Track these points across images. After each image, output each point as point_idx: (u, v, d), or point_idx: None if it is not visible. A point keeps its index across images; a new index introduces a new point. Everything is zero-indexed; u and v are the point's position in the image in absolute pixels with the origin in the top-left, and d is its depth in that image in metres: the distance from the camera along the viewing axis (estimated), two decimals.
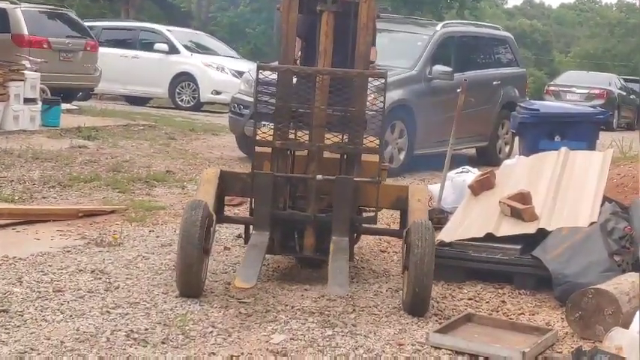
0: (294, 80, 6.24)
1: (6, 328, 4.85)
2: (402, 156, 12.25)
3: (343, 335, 5.15)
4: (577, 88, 28.13)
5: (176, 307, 5.45)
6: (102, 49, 19.24)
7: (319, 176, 5.99)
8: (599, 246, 6.35)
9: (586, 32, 72.37)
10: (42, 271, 6.05)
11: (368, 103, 6.19)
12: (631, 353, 4.67)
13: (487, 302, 6.15)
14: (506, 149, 14.47)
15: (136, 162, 11.20)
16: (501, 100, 14.29)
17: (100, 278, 5.98)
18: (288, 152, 6.17)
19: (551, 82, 31.36)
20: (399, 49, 13.28)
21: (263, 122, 6.22)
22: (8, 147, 11.45)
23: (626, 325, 5.06)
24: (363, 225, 6.40)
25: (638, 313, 4.94)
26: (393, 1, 43.46)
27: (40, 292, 5.55)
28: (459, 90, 9.91)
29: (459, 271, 6.58)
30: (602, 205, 6.96)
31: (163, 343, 4.82)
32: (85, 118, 15.33)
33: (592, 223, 6.63)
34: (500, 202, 7.01)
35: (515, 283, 6.47)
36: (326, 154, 6.15)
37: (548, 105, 13.70)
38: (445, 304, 5.99)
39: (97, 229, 7.53)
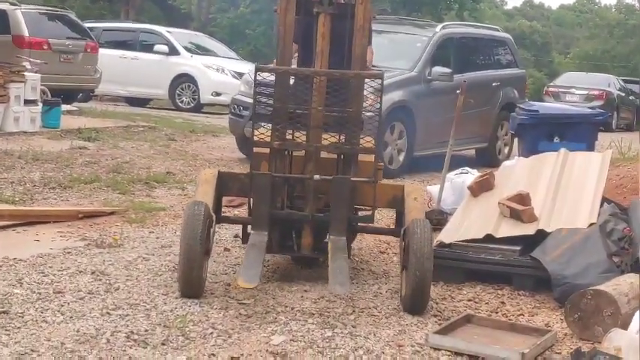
0: (292, 81, 6.27)
1: (6, 330, 4.86)
2: (401, 157, 12.27)
3: (343, 336, 5.16)
4: (576, 89, 28.16)
5: (176, 308, 5.46)
6: (102, 51, 19.26)
7: (317, 176, 6.04)
8: (598, 247, 6.37)
9: (585, 33, 72.37)
10: (42, 273, 6.06)
11: (365, 103, 6.21)
12: (630, 354, 4.68)
13: (486, 303, 6.17)
14: (506, 150, 14.49)
15: (136, 163, 11.21)
16: (501, 101, 14.31)
17: (101, 279, 6.00)
18: (286, 153, 6.21)
19: (551, 83, 31.39)
20: (399, 51, 13.31)
21: (262, 123, 6.25)
22: (9, 148, 11.47)
23: (625, 326, 5.07)
24: (360, 224, 6.43)
25: (637, 314, 4.95)
26: (393, 2, 43.51)
27: (40, 294, 5.56)
28: (458, 91, 9.92)
29: (459, 272, 6.59)
30: (601, 206, 6.97)
31: (163, 344, 4.83)
32: (85, 120, 15.35)
33: (591, 224, 6.64)
34: (499, 203, 7.02)
35: (514, 284, 6.48)
36: (323, 155, 6.20)
37: (548, 106, 13.71)
38: (445, 305, 6.00)
39: (97, 230, 7.54)
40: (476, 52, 14.71)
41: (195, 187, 6.87)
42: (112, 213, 8.21)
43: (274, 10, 6.31)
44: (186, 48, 22.17)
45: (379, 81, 6.08)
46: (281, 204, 6.15)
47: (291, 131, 6.21)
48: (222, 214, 6.60)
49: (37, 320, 5.05)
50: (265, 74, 6.10)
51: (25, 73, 13.69)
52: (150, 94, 22.44)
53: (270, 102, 6.18)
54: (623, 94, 29.10)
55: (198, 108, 21.48)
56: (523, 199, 6.95)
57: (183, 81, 21.59)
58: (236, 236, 7.42)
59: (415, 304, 5.69)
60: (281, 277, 6.43)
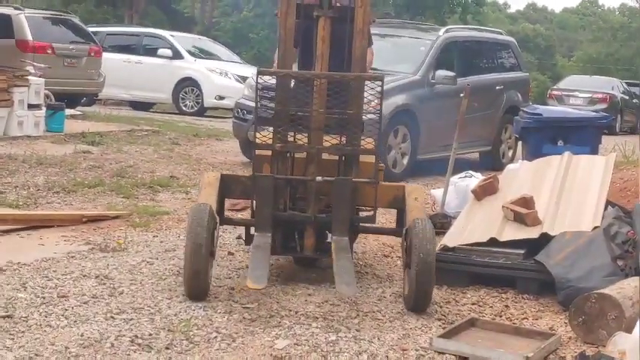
0: (293, 84, 6.30)
1: (10, 334, 4.87)
2: (405, 161, 12.26)
3: (347, 340, 5.16)
4: (580, 92, 28.14)
5: (180, 312, 5.46)
6: (106, 55, 19.29)
7: (319, 178, 6.10)
8: (602, 250, 6.36)
9: (589, 36, 72.36)
10: (46, 277, 6.07)
11: (367, 106, 6.25)
12: (634, 358, 4.67)
13: (490, 307, 6.16)
14: (510, 154, 14.49)
15: (140, 167, 11.22)
16: (504, 104, 14.31)
17: (105, 284, 6.00)
18: (288, 155, 6.26)
19: (554, 87, 31.37)
20: (402, 54, 13.32)
21: (265, 127, 6.28)
22: (12, 152, 11.48)
23: (629, 329, 5.07)
24: (362, 224, 6.47)
25: None
26: (396, 5, 43.59)
27: (44, 298, 5.57)
28: (462, 95, 9.93)
29: (463, 275, 6.59)
30: (605, 209, 6.97)
31: (167, 348, 4.83)
32: (89, 124, 15.36)
33: (595, 228, 6.64)
34: (503, 206, 7.02)
35: (518, 288, 6.48)
36: (324, 156, 6.25)
37: (551, 110, 13.71)
38: (449, 309, 6.00)
39: (101, 234, 7.55)
40: (479, 55, 14.71)
41: (198, 190, 6.88)
42: (116, 217, 8.21)
43: (275, 13, 6.36)
44: (189, 52, 22.19)
45: (379, 83, 6.10)
46: (283, 206, 6.20)
47: (292, 133, 6.25)
48: (225, 217, 6.62)
49: (41, 324, 5.06)
50: (267, 78, 6.13)
51: (29, 78, 13.71)
52: (153, 98, 22.46)
53: (272, 105, 6.21)
54: (627, 97, 29.08)
55: (201, 112, 21.49)
56: (527, 202, 6.95)
57: (187, 85, 21.60)
58: (238, 237, 7.43)
59: (418, 302, 5.74)
60: (285, 280, 6.43)
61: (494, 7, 66.34)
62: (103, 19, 34.65)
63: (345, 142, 6.20)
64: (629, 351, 4.72)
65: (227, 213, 6.89)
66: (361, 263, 7.10)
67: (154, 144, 13.69)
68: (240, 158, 12.78)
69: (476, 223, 7.15)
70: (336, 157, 6.27)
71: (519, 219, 6.86)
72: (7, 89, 13.01)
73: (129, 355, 4.71)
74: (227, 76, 21.30)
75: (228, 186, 6.34)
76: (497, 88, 14.29)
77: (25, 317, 5.16)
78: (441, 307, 6.01)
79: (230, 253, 7.11)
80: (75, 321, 5.16)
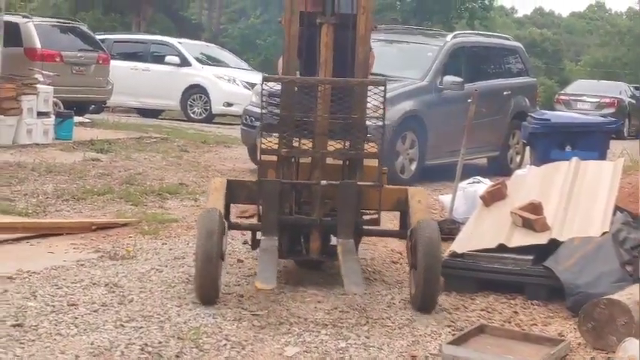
0: (298, 90, 6.36)
1: (21, 343, 4.88)
2: (413, 167, 12.26)
3: (356, 347, 5.17)
4: (587, 96, 28.12)
5: (190, 320, 5.47)
6: (114, 62, 19.35)
7: (323, 182, 6.19)
8: (611, 256, 6.36)
9: (596, 41, 72.31)
10: (56, 285, 6.08)
11: (370, 111, 6.33)
12: None
13: (500, 313, 6.16)
14: (518, 159, 14.48)
15: (148, 174, 11.24)
16: (512, 109, 14.30)
17: (114, 291, 6.01)
18: (293, 160, 6.35)
19: (562, 91, 31.33)
20: (410, 60, 13.33)
21: (272, 133, 6.34)
22: (22, 160, 11.52)
23: (638, 335, 5.06)
24: (366, 227, 6.55)
25: None
26: (403, 11, 43.63)
27: (54, 306, 5.58)
28: (469, 100, 9.94)
29: (471, 282, 6.60)
30: (613, 214, 6.97)
31: (177, 356, 4.84)
32: (97, 131, 15.40)
33: (604, 233, 6.64)
34: (511, 212, 7.03)
35: (527, 294, 6.48)
36: (329, 161, 6.35)
37: (559, 115, 13.69)
38: (458, 315, 6.00)
39: (110, 242, 7.56)
40: (487, 60, 14.70)
41: (206, 196, 6.91)
42: (125, 225, 8.23)
43: (279, 21, 6.46)
44: (197, 59, 22.23)
45: (382, 88, 6.19)
46: (289, 210, 6.30)
47: (297, 139, 6.32)
48: (233, 222, 6.68)
49: (51, 333, 5.07)
50: (272, 84, 6.22)
51: (38, 86, 13.76)
52: (162, 105, 22.51)
53: (279, 111, 6.28)
54: (634, 102, 29.02)
55: (209, 119, 21.53)
56: (535, 208, 6.95)
57: (195, 92, 21.64)
58: (245, 243, 7.46)
59: (425, 302, 5.84)
60: (293, 286, 6.44)
61: (501, 12, 66.29)
62: (110, 27, 34.71)
63: (349, 146, 6.27)
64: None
65: (235, 219, 6.94)
66: (370, 270, 7.10)
67: (162, 151, 13.72)
68: (249, 165, 12.79)
69: (484, 229, 7.15)
70: (341, 162, 6.37)
71: (528, 225, 6.86)
72: (16, 97, 13.06)
73: None
74: (235, 83, 21.33)
75: (234, 191, 6.43)
76: (504, 93, 14.28)
77: (35, 326, 5.17)
78: (450, 313, 6.01)
79: (239, 261, 7.12)
80: (85, 329, 5.17)
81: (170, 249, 7.43)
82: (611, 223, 6.79)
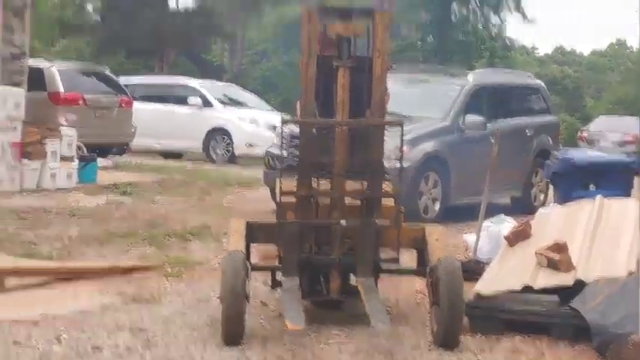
0: (316, 132, 6.41)
1: None
2: (436, 207, 12.25)
3: None
4: (610, 133, 28.06)
5: None
6: (136, 105, 19.46)
7: (343, 222, 6.24)
8: (637, 296, 6.30)
9: (617, 78, 72.15)
10: (80, 329, 6.09)
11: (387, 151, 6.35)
12: None
13: (526, 354, 6.11)
14: (541, 197, 14.43)
15: (171, 217, 11.27)
16: (535, 148, 14.28)
17: (138, 335, 6.01)
18: (312, 200, 6.38)
19: (584, 128, 31.29)
20: (431, 100, 13.35)
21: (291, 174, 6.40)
22: (46, 205, 11.58)
23: None
24: (384, 265, 6.57)
25: None
26: (424, 50, 43.75)
27: (79, 351, 5.58)
28: (492, 139, 9.93)
29: (497, 323, 6.54)
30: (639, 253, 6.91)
31: None
32: (120, 174, 15.47)
33: (630, 273, 6.59)
34: (536, 252, 6.98)
35: (553, 335, 6.42)
36: (347, 200, 6.40)
37: (582, 154, 13.64)
38: (483, 357, 5.96)
39: (134, 285, 7.57)
40: (508, 99, 14.69)
41: (227, 237, 6.94)
42: (149, 268, 8.24)
43: (298, 65, 6.51)
44: (219, 100, 22.31)
45: (399, 128, 6.27)
46: (309, 250, 6.35)
47: (316, 179, 6.40)
48: (253, 263, 6.69)
49: None
50: (292, 126, 6.36)
51: (61, 130, 13.84)
52: (184, 146, 22.55)
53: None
54: None
55: (232, 160, 21.55)
56: (560, 248, 6.90)
57: (217, 133, 21.69)
58: (265, 283, 7.46)
59: (448, 338, 5.86)
60: (316, 328, 6.41)
61: (522, 50, 66.29)
62: (133, 70, 34.95)
63: (366, 186, 6.31)
64: None
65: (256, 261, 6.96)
66: (394, 312, 7.07)
67: (185, 193, 13.75)
68: (272, 206, 12.77)
69: (509, 269, 7.11)
70: (359, 201, 6.41)
71: (553, 265, 6.82)
72: (40, 141, 13.14)
73: None
74: (257, 124, 21.38)
75: (254, 232, 6.51)
76: (527, 132, 14.26)
77: None
78: (475, 354, 5.97)
79: (263, 303, 7.10)
80: None
81: (194, 291, 7.43)
82: (637, 262, 6.73)
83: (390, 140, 6.38)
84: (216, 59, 48.06)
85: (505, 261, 7.33)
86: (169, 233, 10.08)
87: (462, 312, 5.88)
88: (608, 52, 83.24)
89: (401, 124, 6.27)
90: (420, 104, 13.08)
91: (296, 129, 6.40)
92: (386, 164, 6.43)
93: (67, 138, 13.79)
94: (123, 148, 20.12)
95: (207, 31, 40.49)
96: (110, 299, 7.06)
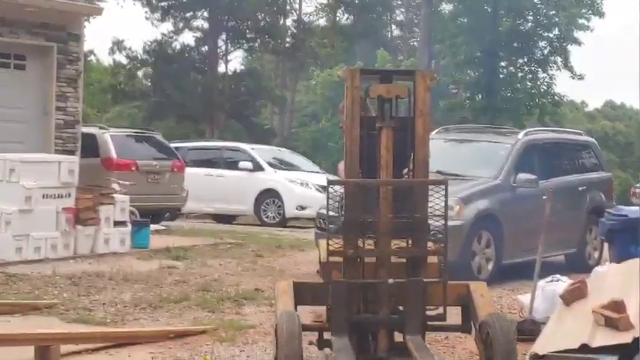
0: (361, 192, 6.44)
1: None
2: (490, 266, 12.16)
3: None
4: None
5: None
6: (188, 169, 19.62)
7: (391, 280, 6.25)
8: None
9: None
10: None
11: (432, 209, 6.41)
12: None
13: None
14: (596, 255, 14.25)
15: (224, 281, 11.29)
16: (588, 205, 14.15)
17: None
18: (358, 260, 6.39)
19: (637, 184, 30.95)
20: (482, 159, 13.33)
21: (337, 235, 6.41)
22: (100, 270, 11.66)
23: None
24: (430, 322, 6.55)
25: None
26: (473, 109, 43.70)
27: None
28: (544, 197, 9.86)
29: None
30: None
31: None
32: (173, 238, 15.54)
33: None
34: (593, 311, 6.89)
35: None
36: (392, 259, 6.41)
37: (637, 210, 13.49)
38: None
39: (188, 349, 7.57)
40: (560, 156, 14.62)
41: (275, 299, 6.92)
42: (203, 332, 8.24)
43: (340, 126, 6.69)
44: (270, 163, 22.44)
45: (443, 187, 6.35)
46: (357, 309, 6.35)
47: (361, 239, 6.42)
48: (302, 323, 6.68)
49: None
50: (338, 187, 6.43)
51: (115, 195, 13.98)
52: (235, 210, 22.66)
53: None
54: None
55: (283, 223, 21.60)
56: (618, 306, 6.81)
57: (268, 196, 21.78)
58: (310, 343, 7.42)
59: None
60: None
61: (571, 106, 66.05)
62: (184, 135, 35.32)
63: (411, 244, 6.35)
64: None
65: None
66: None
67: (237, 257, 13.77)
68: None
69: (566, 329, 7.02)
70: (404, 260, 6.43)
71: (611, 324, 6.72)
72: (94, 207, 13.27)
73: None
74: (308, 187, 21.46)
75: (301, 293, 6.50)
76: (579, 189, 14.15)
77: None
78: None
79: None
80: None
81: (248, 356, 7.41)
82: None
83: (439, 199, 6.38)
84: (266, 122, 48.42)
85: (561, 320, 7.24)
86: (222, 297, 10.09)
87: None
88: None
89: (445, 183, 6.33)
90: (472, 163, 13.05)
91: (340, 190, 6.44)
92: (434, 223, 6.43)
93: (120, 203, 13.91)
94: (175, 213, 20.26)
95: (257, 95, 40.93)
96: None
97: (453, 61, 45.17)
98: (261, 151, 23.33)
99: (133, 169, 17.47)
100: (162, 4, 38.74)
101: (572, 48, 43.92)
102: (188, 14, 39.23)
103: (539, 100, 44.12)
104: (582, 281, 7.69)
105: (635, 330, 6.65)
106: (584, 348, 6.58)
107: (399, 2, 61.44)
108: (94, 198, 13.37)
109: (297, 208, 21.37)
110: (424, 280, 6.28)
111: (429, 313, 6.52)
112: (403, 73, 6.70)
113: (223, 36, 40.37)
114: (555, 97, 44.60)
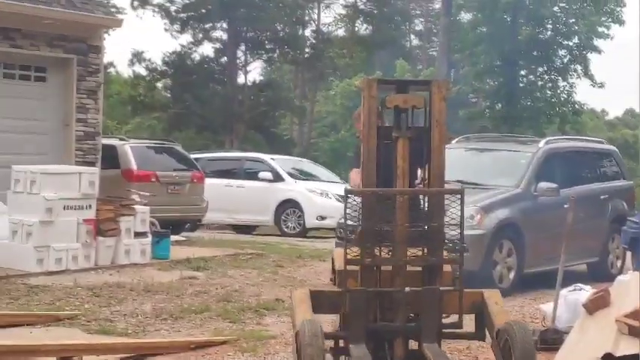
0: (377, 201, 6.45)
1: None
2: (511, 275, 12.11)
3: None
4: None
5: None
6: (208, 180, 19.63)
7: (407, 289, 6.24)
8: None
9: None
10: None
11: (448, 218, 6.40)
12: None
13: None
14: (618, 264, 14.17)
15: (245, 291, 11.28)
16: (610, 214, 14.09)
17: None
18: (374, 268, 6.39)
19: None
20: (503, 168, 13.29)
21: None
22: (121, 281, 11.67)
23: None
24: (445, 330, 6.53)
25: None
26: (492, 118, 43.62)
27: None
28: (566, 206, 9.81)
29: None
30: None
31: None
32: (193, 249, 15.54)
33: None
34: (617, 320, 6.84)
35: None
36: (408, 267, 6.39)
37: None
38: None
39: None
40: (581, 165, 14.56)
41: (291, 308, 6.91)
42: (224, 342, 8.24)
43: (357, 136, 6.71)
44: (289, 174, 22.43)
45: (459, 196, 6.32)
46: (374, 317, 6.34)
47: (378, 248, 6.41)
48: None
49: None
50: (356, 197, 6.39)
51: (135, 206, 13.99)
52: (255, 220, 22.66)
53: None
54: None
55: (303, 233, 21.59)
56: None
57: (289, 206, 21.78)
58: (325, 351, 7.40)
59: None
60: None
61: (591, 114, 65.87)
62: (204, 145, 35.40)
63: (427, 252, 6.34)
64: None
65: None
66: None
67: (258, 267, 13.76)
68: None
69: (589, 338, 6.97)
70: (419, 268, 6.42)
71: (634, 332, 6.66)
72: (115, 219, 13.29)
73: None
74: (328, 197, 21.44)
75: (318, 301, 6.46)
76: (601, 197, 14.09)
77: None
78: None
79: None
80: None
81: None
82: None
83: (457, 208, 6.38)
84: (286, 133, 48.47)
85: (584, 329, 7.18)
86: (243, 307, 10.08)
87: None
88: None
89: (461, 192, 6.32)
90: (492, 172, 13.02)
91: (357, 199, 6.45)
92: (451, 232, 6.42)
93: (141, 214, 13.91)
94: (195, 223, 20.28)
95: (276, 105, 40.98)
96: None
97: (473, 71, 45.12)
98: (281, 162, 23.35)
99: (153, 180, 17.49)
100: (182, 15, 38.82)
101: (592, 56, 43.80)
102: (207, 25, 39.32)
103: (560, 108, 44.01)
104: (605, 290, 7.63)
105: None
106: (608, 357, 6.53)
107: (418, 12, 61.54)
108: (115, 209, 13.39)
109: (317, 218, 21.36)
110: (440, 288, 6.29)
111: (443, 321, 6.53)
112: (419, 83, 6.73)
113: (242, 47, 40.43)
114: (576, 105, 44.47)
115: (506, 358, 5.92)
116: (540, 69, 44.51)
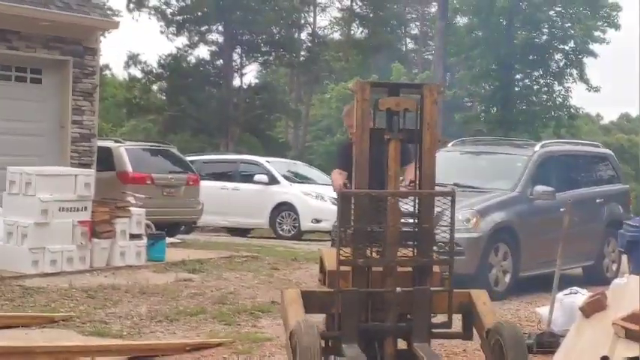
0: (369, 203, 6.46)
1: None
2: (507, 278, 12.10)
3: None
4: None
5: None
6: (203, 183, 19.62)
7: (398, 289, 6.26)
8: None
9: None
10: None
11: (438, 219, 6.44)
12: None
13: None
14: (614, 267, 14.19)
15: (240, 293, 11.26)
16: (605, 217, 14.10)
17: None
18: (366, 269, 6.40)
19: None
20: (499, 171, 13.31)
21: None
22: (116, 283, 11.65)
23: None
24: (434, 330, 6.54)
25: None
26: (488, 122, 43.66)
27: None
28: (562, 209, 9.80)
29: None
30: None
31: None
32: (189, 251, 15.52)
33: None
34: (613, 323, 6.83)
35: None
36: (399, 268, 6.41)
37: None
38: None
39: None
40: (577, 169, 14.57)
41: (283, 308, 6.90)
42: (219, 345, 8.22)
43: (350, 139, 6.65)
44: (285, 177, 22.42)
45: (450, 198, 6.35)
46: (365, 317, 6.35)
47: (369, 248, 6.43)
48: None
49: None
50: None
51: (130, 208, 13.97)
52: (251, 223, 22.64)
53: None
54: None
55: (298, 235, 21.57)
56: (638, 318, 6.74)
57: (284, 209, 21.77)
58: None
59: None
60: None
61: (586, 119, 65.94)
62: (199, 148, 35.36)
63: (417, 253, 6.37)
64: None
65: None
66: None
67: (253, 270, 13.75)
68: None
69: (585, 341, 6.96)
70: (410, 269, 6.44)
71: (631, 336, 6.66)
72: (110, 220, 13.26)
73: None
74: (323, 199, 21.41)
75: (309, 301, 6.47)
76: (597, 201, 14.10)
77: None
78: None
79: None
80: None
81: None
82: None
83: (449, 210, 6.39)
84: (281, 136, 48.47)
85: (581, 333, 7.18)
86: (239, 310, 10.07)
87: None
88: None
89: (452, 194, 6.35)
90: (488, 175, 13.03)
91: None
92: (444, 234, 6.43)
93: (136, 216, 13.89)
94: (190, 226, 20.25)
95: (272, 108, 40.96)
96: None
97: (469, 74, 45.18)
98: (276, 165, 23.33)
99: (149, 182, 17.47)
100: (178, 18, 38.80)
101: (587, 60, 43.89)
102: (203, 28, 39.29)
103: (555, 112, 44.11)
104: (602, 293, 7.63)
105: None
106: None
107: (414, 16, 61.57)
108: (110, 211, 13.36)
109: (312, 221, 21.35)
110: (431, 288, 6.31)
111: (433, 320, 6.54)
112: (412, 87, 6.78)
113: (238, 50, 40.41)
114: (571, 109, 44.54)
115: (496, 358, 5.93)
116: (536, 73, 44.59)
